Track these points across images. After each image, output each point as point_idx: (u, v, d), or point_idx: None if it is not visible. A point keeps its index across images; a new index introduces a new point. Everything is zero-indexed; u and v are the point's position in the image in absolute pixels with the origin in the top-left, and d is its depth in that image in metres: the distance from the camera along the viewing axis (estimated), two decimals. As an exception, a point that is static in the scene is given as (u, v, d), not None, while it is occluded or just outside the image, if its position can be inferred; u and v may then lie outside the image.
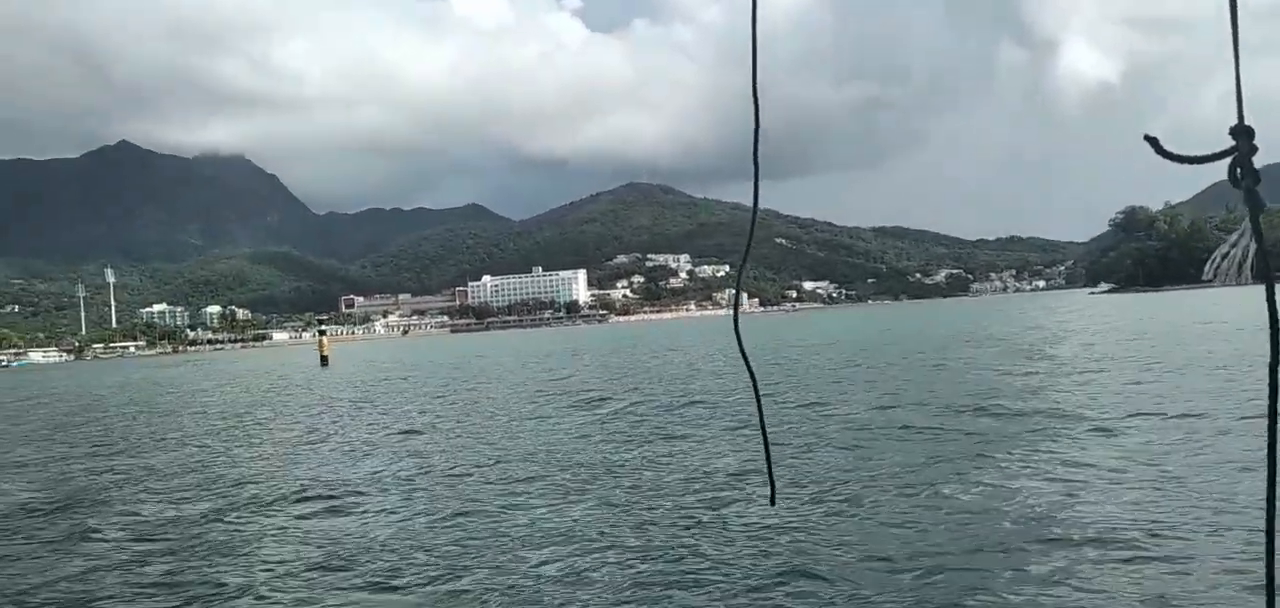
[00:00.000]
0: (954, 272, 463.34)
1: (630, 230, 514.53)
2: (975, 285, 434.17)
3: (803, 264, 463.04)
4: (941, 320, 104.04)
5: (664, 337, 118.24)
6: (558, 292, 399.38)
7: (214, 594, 11.65)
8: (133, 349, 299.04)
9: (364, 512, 16.14)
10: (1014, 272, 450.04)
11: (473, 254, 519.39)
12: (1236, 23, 1.61)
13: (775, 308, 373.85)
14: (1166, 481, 14.08)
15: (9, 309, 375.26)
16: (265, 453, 25.87)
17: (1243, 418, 18.92)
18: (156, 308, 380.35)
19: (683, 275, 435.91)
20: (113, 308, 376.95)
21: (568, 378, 49.50)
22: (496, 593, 10.89)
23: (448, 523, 14.66)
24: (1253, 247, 1.70)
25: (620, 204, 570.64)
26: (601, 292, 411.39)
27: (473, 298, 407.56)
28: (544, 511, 15.14)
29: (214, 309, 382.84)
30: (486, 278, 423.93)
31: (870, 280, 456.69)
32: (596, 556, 12.17)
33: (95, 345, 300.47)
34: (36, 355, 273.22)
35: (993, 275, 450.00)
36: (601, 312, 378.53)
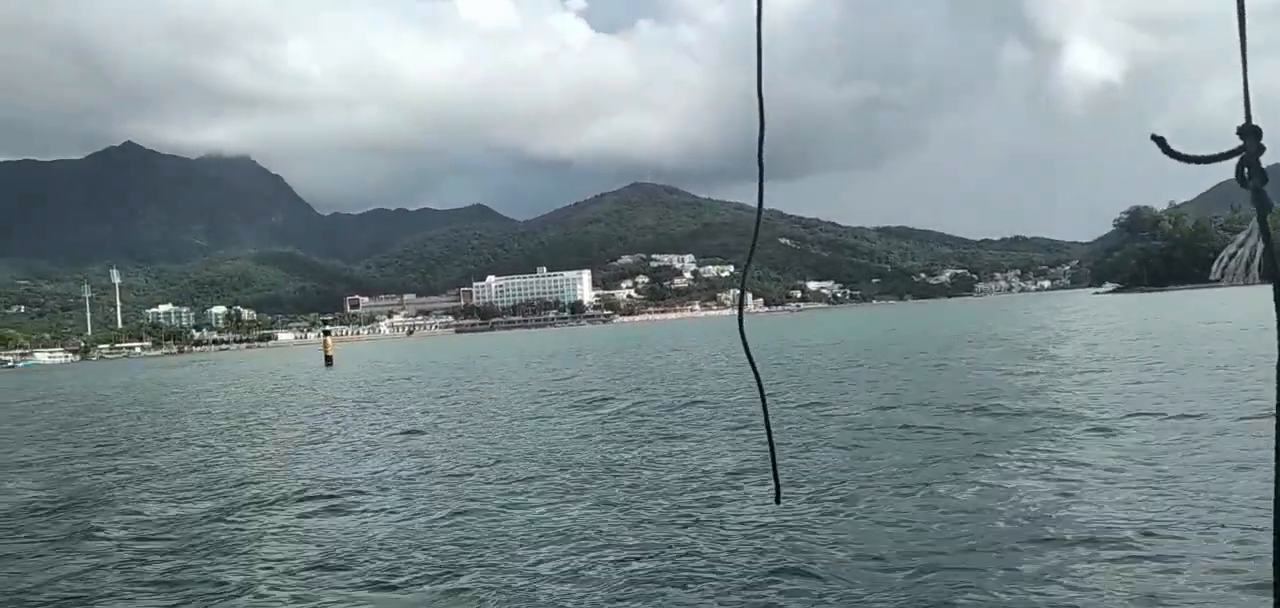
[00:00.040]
0: (958, 272, 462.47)
1: (635, 231, 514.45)
2: (980, 286, 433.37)
3: (807, 264, 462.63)
4: (946, 320, 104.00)
5: (668, 337, 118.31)
6: (562, 292, 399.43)
7: (215, 593, 11.75)
8: (138, 350, 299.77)
9: (364, 511, 16.23)
10: (1019, 272, 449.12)
11: (477, 254, 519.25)
12: (1243, 22, 1.61)
13: (780, 308, 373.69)
14: (1162, 480, 14.12)
15: (15, 310, 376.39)
16: (268, 453, 25.98)
17: (1242, 418, 18.96)
18: (162, 308, 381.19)
19: (687, 276, 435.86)
20: (118, 308, 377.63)
21: (571, 378, 49.61)
22: (496, 592, 10.97)
23: (448, 522, 14.75)
24: (1260, 246, 1.70)
25: (625, 204, 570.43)
26: (606, 292, 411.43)
27: (477, 298, 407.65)
28: (544, 510, 15.22)
29: (219, 310, 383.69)
30: (491, 278, 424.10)
31: (875, 281, 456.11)
32: (595, 554, 12.24)
33: (101, 346, 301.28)
34: (42, 356, 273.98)
35: (997, 275, 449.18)
36: (606, 312, 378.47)
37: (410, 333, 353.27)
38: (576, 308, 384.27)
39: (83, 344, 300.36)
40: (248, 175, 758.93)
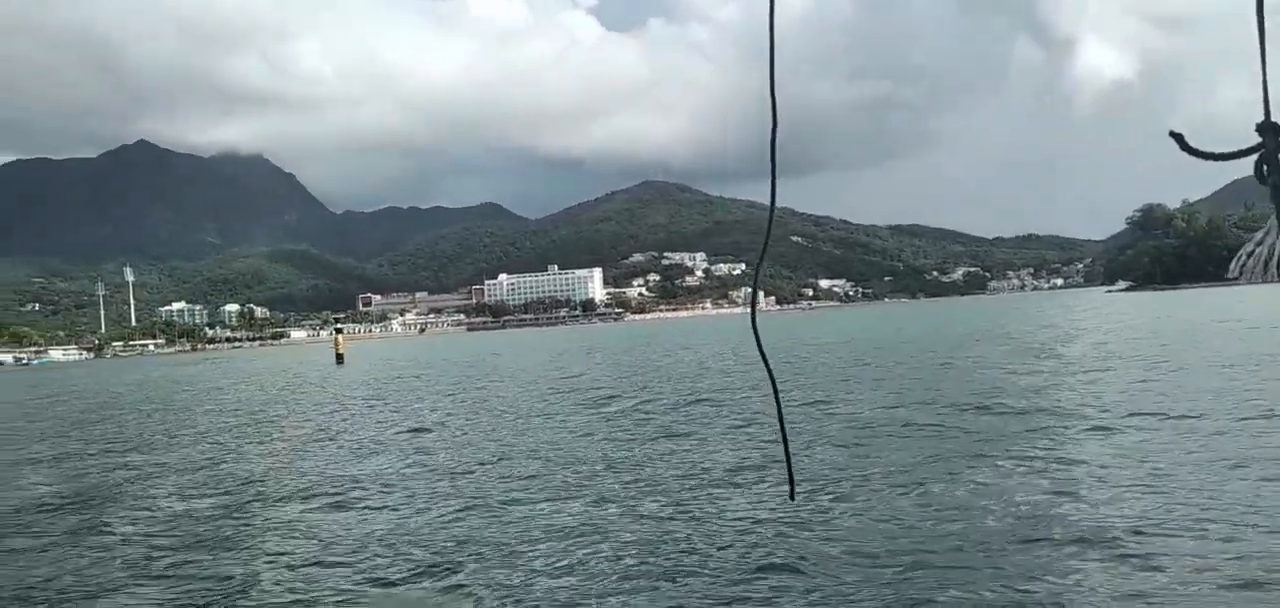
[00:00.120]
0: (971, 270, 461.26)
1: (646, 229, 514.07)
2: (992, 284, 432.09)
3: (818, 262, 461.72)
4: (957, 319, 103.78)
5: (679, 335, 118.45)
6: (573, 290, 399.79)
7: (221, 587, 11.95)
8: (152, 347, 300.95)
9: (368, 508, 16.42)
10: (1031, 270, 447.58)
11: (489, 253, 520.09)
12: (1263, 18, 1.61)
13: (792, 306, 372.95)
14: (1157, 480, 14.20)
15: (30, 308, 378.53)
16: (276, 450, 26.22)
17: (1241, 419, 18.99)
18: (175, 306, 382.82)
19: (699, 274, 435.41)
20: (132, 306, 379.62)
21: (579, 376, 49.77)
22: (497, 589, 11.13)
23: (451, 519, 14.92)
24: (1279, 244, 1.70)
25: (636, 203, 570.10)
26: (617, 290, 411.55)
27: (489, 296, 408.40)
28: (546, 507, 15.38)
29: (232, 308, 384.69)
30: (503, 276, 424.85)
31: (887, 278, 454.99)
32: (597, 551, 12.38)
33: (115, 344, 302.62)
34: (57, 353, 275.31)
35: (1010, 274, 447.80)
36: (617, 310, 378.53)
37: (422, 331, 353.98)
38: (588, 306, 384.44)
39: (97, 342, 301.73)
40: (261, 174, 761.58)
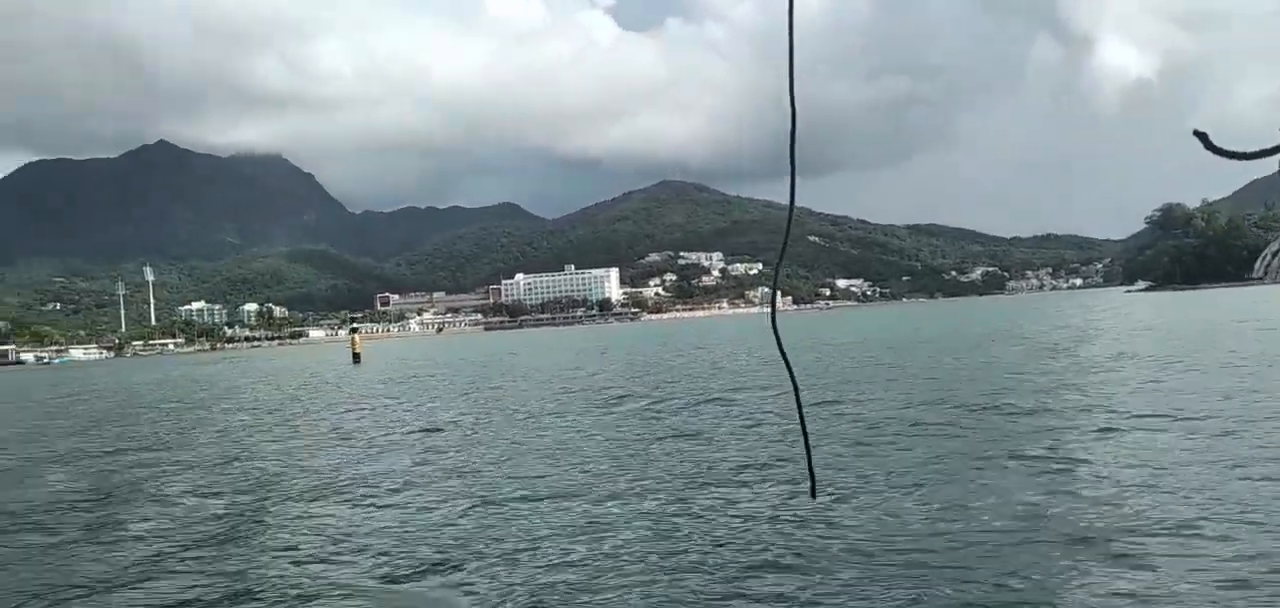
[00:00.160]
0: (990, 269, 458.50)
1: (663, 228, 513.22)
2: (1011, 284, 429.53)
3: (836, 262, 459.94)
4: (976, 318, 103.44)
5: (695, 334, 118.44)
6: (590, 290, 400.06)
7: (234, 583, 12.17)
8: (171, 346, 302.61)
9: (379, 506, 16.61)
10: (1050, 269, 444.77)
11: (506, 252, 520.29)
12: None
13: (809, 306, 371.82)
14: (1159, 479, 14.23)
15: (51, 307, 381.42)
16: (291, 449, 26.47)
17: (1249, 421, 18.96)
18: (195, 306, 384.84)
19: (715, 273, 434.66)
20: (152, 306, 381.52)
21: (594, 375, 49.93)
22: (506, 586, 11.29)
23: (461, 517, 15.09)
24: None
25: (653, 202, 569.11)
26: (634, 290, 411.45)
27: (506, 296, 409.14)
28: (553, 505, 15.53)
29: (251, 307, 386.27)
30: (520, 276, 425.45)
31: (905, 278, 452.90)
32: (601, 550, 12.53)
33: (135, 343, 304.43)
34: (77, 352, 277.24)
35: (1029, 273, 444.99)
36: (634, 310, 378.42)
37: (439, 331, 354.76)
38: (604, 306, 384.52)
39: (117, 341, 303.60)
40: (279, 174, 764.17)
